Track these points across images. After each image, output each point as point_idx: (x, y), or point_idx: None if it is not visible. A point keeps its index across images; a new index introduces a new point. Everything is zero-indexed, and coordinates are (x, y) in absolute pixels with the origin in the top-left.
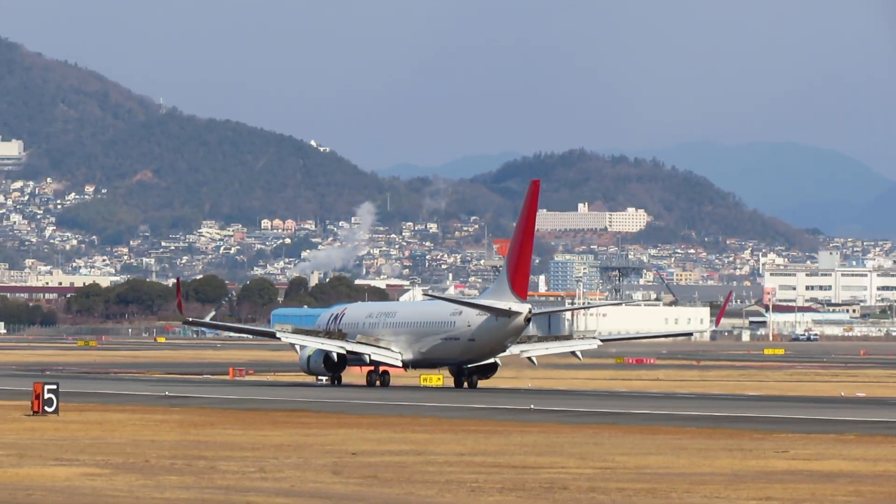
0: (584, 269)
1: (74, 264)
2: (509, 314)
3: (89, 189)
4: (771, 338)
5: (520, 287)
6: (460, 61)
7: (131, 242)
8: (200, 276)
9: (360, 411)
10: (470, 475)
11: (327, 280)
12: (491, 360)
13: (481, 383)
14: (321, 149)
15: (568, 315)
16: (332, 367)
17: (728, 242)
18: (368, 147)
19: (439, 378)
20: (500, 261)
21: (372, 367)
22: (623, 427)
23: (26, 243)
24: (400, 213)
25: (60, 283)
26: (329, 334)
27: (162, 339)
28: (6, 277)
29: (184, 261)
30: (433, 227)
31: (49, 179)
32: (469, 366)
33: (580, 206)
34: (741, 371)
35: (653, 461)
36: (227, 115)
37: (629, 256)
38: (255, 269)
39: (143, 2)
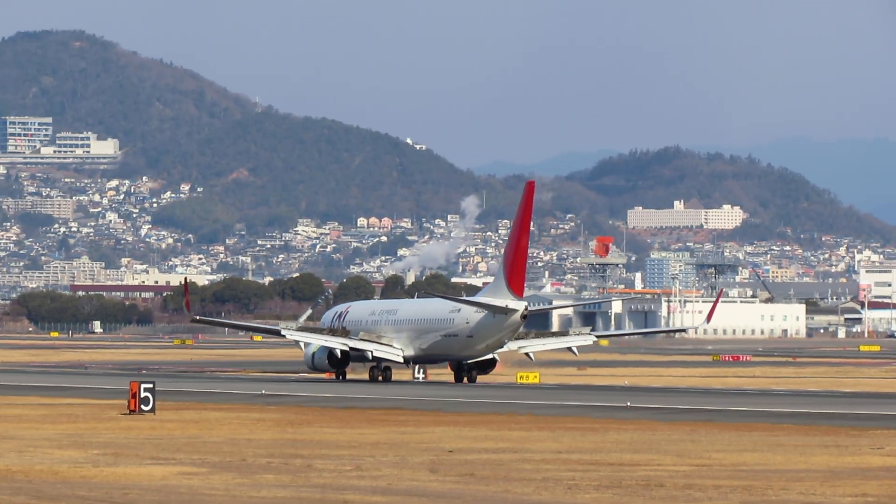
0: (680, 266)
1: (170, 263)
2: (506, 311)
3: (185, 188)
4: (866, 335)
5: (516, 285)
6: (557, 58)
7: (227, 241)
8: (296, 274)
9: (457, 409)
10: (566, 473)
11: (424, 278)
12: (490, 356)
13: (482, 378)
14: (417, 146)
15: (664, 313)
16: (336, 363)
17: (823, 239)
18: (465, 145)
19: (536, 375)
20: (596, 259)
21: (374, 363)
22: (719, 424)
23: (122, 242)
24: (496, 210)
25: (156, 282)
26: (332, 332)
27: (258, 338)
28: (102, 276)
29: (280, 259)
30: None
31: (145, 178)
32: (468, 361)
33: (676, 203)
34: (837, 368)
35: (749, 458)
36: (323, 114)
37: (725, 253)
38: (352, 267)
39: (239, 1)
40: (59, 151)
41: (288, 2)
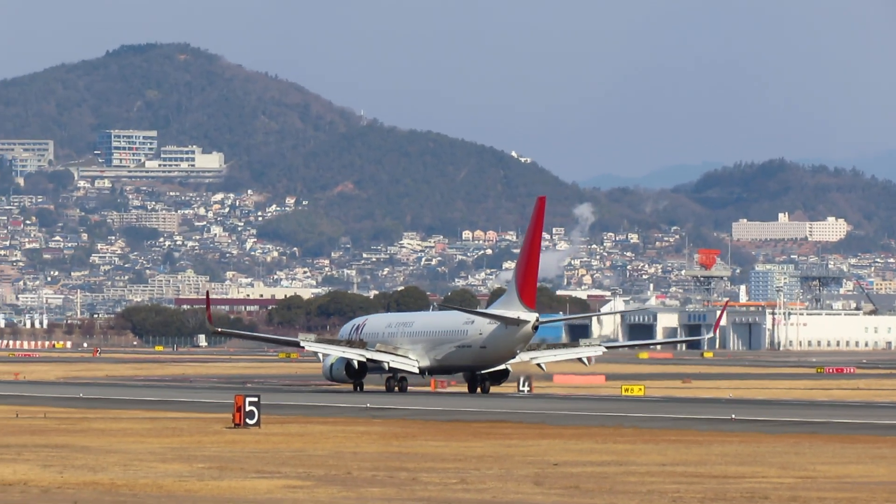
0: (785, 278)
1: (275, 276)
2: (518, 323)
3: (290, 201)
4: None
5: (528, 297)
6: (662, 72)
7: (332, 254)
8: (402, 287)
9: (562, 422)
10: (671, 485)
11: None
12: (502, 367)
13: (495, 389)
14: (522, 159)
15: (768, 325)
16: (354, 374)
17: None
18: (569, 157)
19: (641, 388)
20: (700, 271)
21: (391, 374)
22: (823, 436)
23: (227, 255)
24: (601, 223)
25: (261, 295)
26: (350, 343)
27: None
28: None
29: (385, 272)
30: (634, 238)
31: (250, 192)
32: (482, 372)
33: (780, 215)
34: None
35: (853, 470)
36: (428, 127)
37: (829, 266)
38: (457, 280)
39: (344, 14)
40: (164, 165)
41: (393, 15)
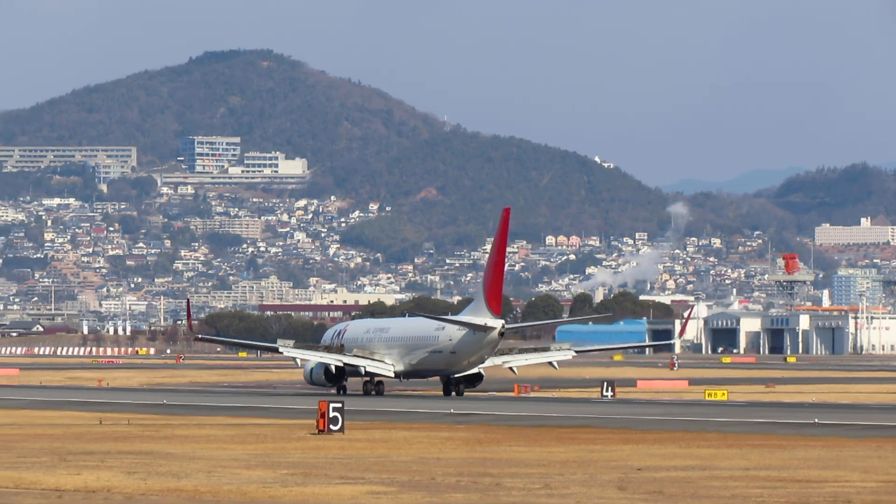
0: (867, 283)
1: (359, 282)
2: (485, 329)
3: (373, 207)
4: None
5: (494, 305)
6: (745, 77)
7: (416, 260)
8: None
9: (645, 427)
10: (755, 490)
11: (612, 296)
12: (476, 371)
13: (469, 392)
14: (605, 165)
15: (851, 329)
16: (332, 378)
17: None
18: (652, 163)
19: (724, 393)
20: (783, 276)
21: (368, 378)
22: None
23: (311, 262)
24: (685, 228)
25: (345, 301)
26: (328, 348)
27: None
28: (290, 296)
29: (468, 278)
30: (717, 243)
31: (333, 198)
32: (456, 376)
33: (863, 220)
34: None
35: None
36: (511, 132)
37: None
38: (540, 285)
39: (426, 20)
40: (248, 171)
41: (475, 21)
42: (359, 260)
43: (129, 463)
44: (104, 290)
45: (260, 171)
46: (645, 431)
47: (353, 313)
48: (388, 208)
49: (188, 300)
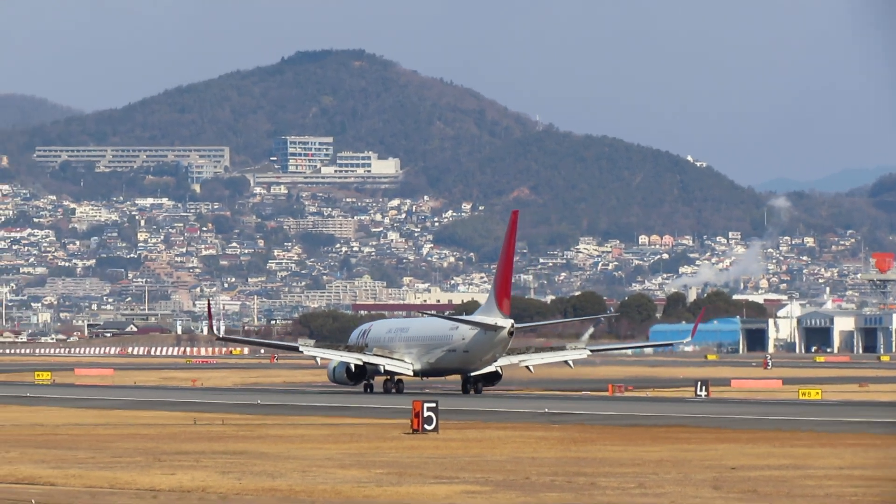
0: None
1: (452, 282)
2: (496, 328)
3: (466, 206)
4: None
5: (504, 305)
6: (836, 76)
7: None
8: (578, 292)
9: (739, 426)
10: (849, 489)
11: (705, 295)
12: (493, 370)
13: (488, 390)
14: (698, 164)
15: None
16: (353, 376)
17: None
18: (745, 161)
19: (818, 392)
20: (877, 275)
21: (388, 376)
22: None
23: (404, 261)
24: (778, 227)
25: (438, 301)
26: (348, 348)
27: None
28: (384, 296)
29: (561, 277)
30: (810, 241)
31: (426, 197)
32: (474, 374)
33: None
34: None
35: None
36: (603, 131)
37: None
38: (633, 284)
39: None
40: (340, 171)
41: (568, 20)
42: (452, 259)
43: (223, 462)
44: (197, 289)
45: (353, 171)
46: (739, 431)
47: (447, 312)
48: (480, 208)
49: (209, 301)
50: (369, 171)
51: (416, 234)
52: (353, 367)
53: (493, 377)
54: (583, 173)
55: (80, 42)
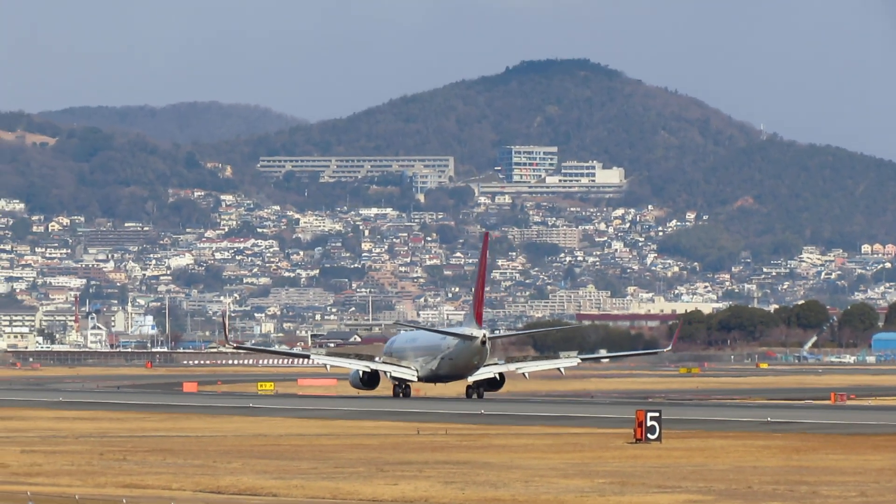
0: None
1: (676, 291)
2: (471, 338)
3: (690, 216)
4: None
5: (479, 317)
6: None
7: (733, 269)
8: (801, 301)
9: None
10: None
11: None
12: (492, 375)
13: (490, 394)
14: None
15: None
16: (366, 382)
17: None
18: None
19: None
20: None
21: (396, 382)
22: None
23: (628, 271)
24: None
25: (662, 311)
26: (359, 356)
27: (764, 365)
28: (608, 305)
29: (785, 286)
30: None
31: (650, 207)
32: (475, 380)
33: None
34: None
35: None
36: (827, 141)
37: None
38: (856, 294)
39: (743, 28)
40: (565, 180)
41: (790, 31)
42: (676, 269)
43: (446, 472)
44: (422, 299)
45: (577, 181)
46: None
47: (670, 322)
48: (704, 217)
49: (223, 313)
50: (593, 181)
51: (640, 244)
52: (361, 373)
53: (495, 383)
54: (806, 182)
55: (304, 52)
